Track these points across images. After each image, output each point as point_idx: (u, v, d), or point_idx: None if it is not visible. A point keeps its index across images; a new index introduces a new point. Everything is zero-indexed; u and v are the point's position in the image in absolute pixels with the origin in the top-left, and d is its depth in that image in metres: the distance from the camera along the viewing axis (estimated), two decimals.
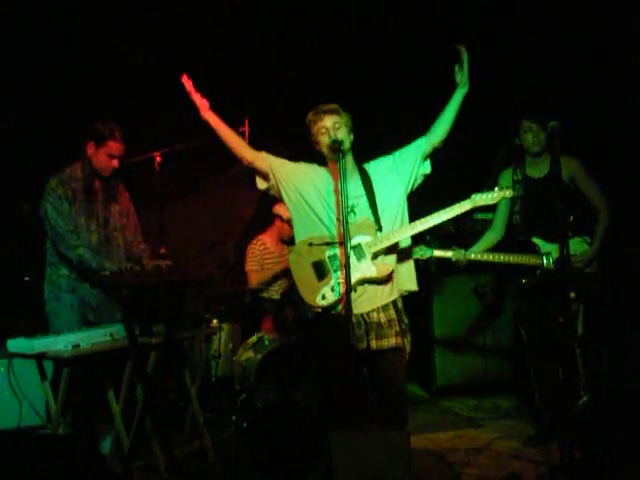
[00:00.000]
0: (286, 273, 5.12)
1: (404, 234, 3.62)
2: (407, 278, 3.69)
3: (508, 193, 3.67)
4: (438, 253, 4.19)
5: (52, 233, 4.02)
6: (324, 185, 3.69)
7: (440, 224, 3.62)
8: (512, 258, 4.26)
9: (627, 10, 4.65)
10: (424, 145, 3.67)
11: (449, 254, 4.26)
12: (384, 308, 3.59)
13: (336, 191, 3.63)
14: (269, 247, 5.44)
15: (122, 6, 5.25)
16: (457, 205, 3.59)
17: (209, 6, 5.42)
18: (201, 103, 3.70)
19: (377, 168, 3.75)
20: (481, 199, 3.61)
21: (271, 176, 3.70)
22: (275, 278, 5.27)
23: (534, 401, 4.49)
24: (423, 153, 3.67)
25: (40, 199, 4.08)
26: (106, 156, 4.08)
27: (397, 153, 3.74)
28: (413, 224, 3.63)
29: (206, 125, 3.70)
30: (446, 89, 3.63)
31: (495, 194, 3.63)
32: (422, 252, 4.17)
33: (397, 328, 3.58)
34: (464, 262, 4.27)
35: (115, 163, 4.12)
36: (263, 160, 3.70)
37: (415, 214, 3.68)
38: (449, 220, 3.61)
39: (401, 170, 3.69)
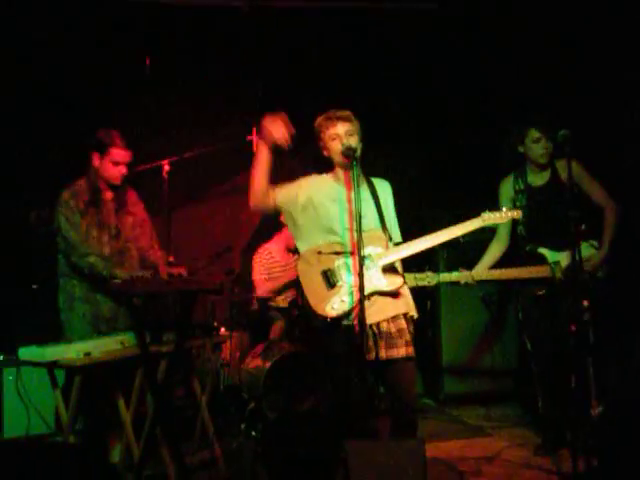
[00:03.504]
0: (294, 283, 5.12)
1: (415, 249, 3.59)
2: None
3: (517, 214, 3.70)
4: (445, 278, 4.15)
5: (64, 244, 4.02)
6: (332, 193, 3.67)
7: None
8: (520, 272, 4.22)
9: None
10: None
11: (456, 278, 4.23)
12: (393, 318, 3.58)
13: (343, 199, 3.63)
14: (275, 256, 5.44)
15: (130, 15, 5.28)
16: (467, 223, 3.60)
17: (217, 12, 5.45)
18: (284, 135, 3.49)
19: (384, 187, 3.76)
20: (490, 218, 3.63)
21: (275, 208, 3.70)
22: (284, 288, 5.26)
23: (538, 410, 4.47)
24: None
25: (50, 209, 4.09)
26: (112, 164, 4.07)
27: (392, 211, 3.76)
28: (423, 239, 3.61)
29: (253, 153, 3.65)
30: None
31: (504, 214, 3.66)
32: (429, 279, 4.08)
33: (407, 338, 3.57)
34: (473, 284, 4.25)
35: (123, 170, 4.10)
36: (275, 200, 3.66)
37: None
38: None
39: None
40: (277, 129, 3.45)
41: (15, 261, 5.19)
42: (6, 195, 5.25)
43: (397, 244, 3.66)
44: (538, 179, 4.37)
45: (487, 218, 3.63)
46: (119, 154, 4.07)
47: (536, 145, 4.28)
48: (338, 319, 3.54)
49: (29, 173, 5.28)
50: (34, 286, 5.05)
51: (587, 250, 4.19)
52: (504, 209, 3.67)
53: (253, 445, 4.01)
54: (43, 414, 4.26)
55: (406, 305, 3.64)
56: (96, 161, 4.08)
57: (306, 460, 3.38)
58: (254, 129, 5.15)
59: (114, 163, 4.07)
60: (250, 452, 3.91)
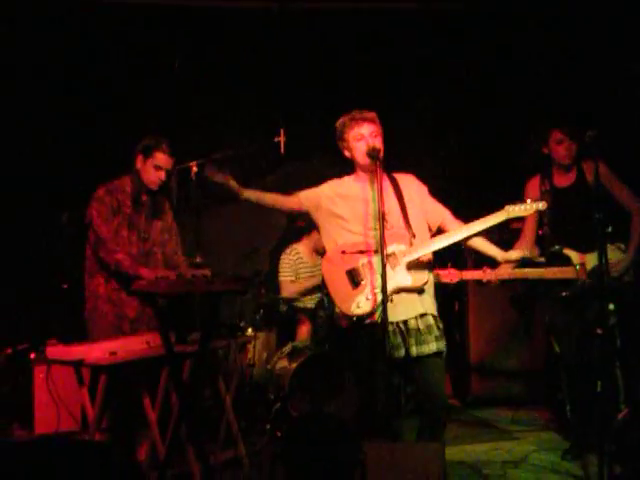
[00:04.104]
0: (319, 288, 5.12)
1: (439, 244, 3.61)
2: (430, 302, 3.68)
3: (542, 205, 3.64)
4: (467, 276, 4.10)
5: (94, 238, 4.06)
6: (355, 194, 3.70)
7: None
8: (544, 272, 4.14)
9: None
10: (438, 219, 3.75)
11: (479, 276, 4.18)
12: (421, 316, 3.58)
13: (366, 199, 3.64)
14: (303, 257, 5.44)
15: (161, 17, 5.34)
16: (491, 216, 3.59)
17: (242, 14, 5.48)
18: (234, 185, 3.75)
19: (408, 183, 3.77)
20: (514, 210, 3.59)
21: (305, 212, 3.82)
22: (308, 291, 5.27)
23: (566, 413, 4.42)
24: (431, 220, 3.76)
25: (80, 208, 4.15)
26: (153, 167, 4.13)
27: (426, 195, 3.79)
28: (447, 234, 3.64)
29: (248, 201, 3.81)
30: None
31: (528, 206, 3.61)
32: (451, 276, 4.00)
33: (436, 333, 3.57)
34: (496, 282, 4.19)
35: (162, 175, 4.16)
36: (301, 203, 3.79)
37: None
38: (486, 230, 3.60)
39: (422, 207, 3.75)
40: (216, 178, 3.73)
41: (47, 261, 5.29)
42: (39, 196, 5.35)
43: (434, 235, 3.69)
44: (564, 180, 4.32)
45: (511, 210, 3.58)
46: (162, 159, 4.14)
47: (559, 146, 4.23)
48: (363, 318, 3.55)
49: (62, 174, 5.37)
50: (64, 286, 5.13)
51: (614, 253, 4.13)
52: (528, 201, 3.62)
53: (272, 445, 4.02)
54: (72, 411, 4.34)
55: (430, 307, 3.64)
56: (139, 163, 4.14)
57: (324, 461, 3.38)
58: (282, 130, 5.16)
59: (156, 167, 4.13)
60: (269, 451, 3.92)
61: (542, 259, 4.06)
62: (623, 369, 4.23)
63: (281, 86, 5.78)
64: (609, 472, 3.35)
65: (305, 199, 3.78)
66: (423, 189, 3.82)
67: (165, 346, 3.65)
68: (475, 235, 3.65)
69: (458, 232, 3.62)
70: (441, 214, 3.78)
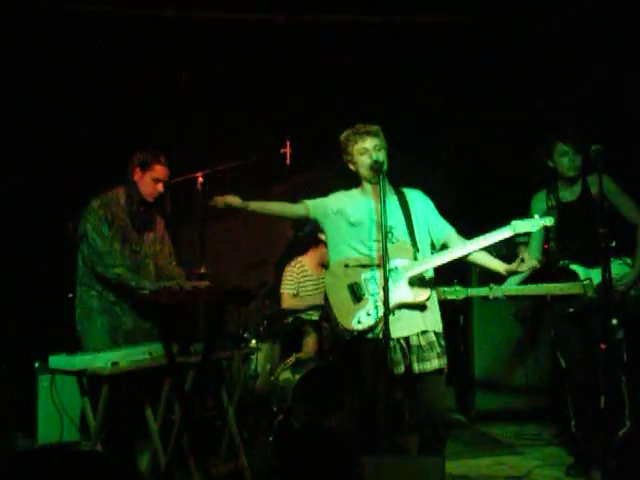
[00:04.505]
0: (320, 307, 5.10)
1: (443, 260, 3.59)
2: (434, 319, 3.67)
3: (549, 221, 3.61)
4: (473, 293, 4.08)
5: (90, 253, 4.04)
6: (360, 207, 3.71)
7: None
8: (551, 289, 4.10)
9: None
10: (442, 236, 3.74)
11: (485, 293, 4.14)
12: (423, 333, 3.57)
13: (371, 212, 3.65)
14: (307, 270, 5.43)
15: (166, 28, 5.37)
16: (497, 232, 3.56)
17: (248, 25, 5.50)
18: (237, 202, 3.72)
19: (415, 197, 3.77)
20: (521, 226, 3.54)
21: (313, 219, 3.81)
22: (308, 309, 5.25)
23: (570, 429, 4.39)
24: (435, 237, 3.76)
25: (81, 218, 4.15)
26: (152, 180, 4.13)
27: (432, 211, 3.79)
28: (451, 250, 3.62)
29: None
30: None
31: (535, 221, 3.57)
32: (457, 293, 3.93)
33: (438, 350, 3.56)
34: (503, 299, 4.16)
35: (160, 188, 4.17)
36: (309, 210, 3.78)
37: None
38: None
39: (427, 223, 3.75)
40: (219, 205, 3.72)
41: (51, 270, 5.31)
42: (44, 206, 5.37)
43: (436, 251, 3.68)
44: (569, 194, 4.30)
45: (518, 226, 3.53)
46: (161, 171, 4.15)
47: (563, 159, 4.21)
48: (364, 333, 3.54)
49: (67, 184, 5.39)
50: (69, 295, 5.14)
51: (620, 268, 4.11)
52: (536, 216, 3.59)
53: (272, 457, 4.01)
54: (76, 421, 4.34)
55: (435, 323, 3.63)
56: (136, 175, 4.14)
57: (322, 474, 3.37)
58: (287, 141, 5.18)
59: (154, 180, 4.14)
60: (269, 464, 3.91)
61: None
62: (629, 385, 4.20)
63: (287, 97, 5.79)
64: None
65: (313, 206, 3.78)
66: (430, 204, 3.82)
67: (167, 357, 3.65)
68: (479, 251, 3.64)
69: (463, 248, 3.61)
70: (446, 231, 3.77)
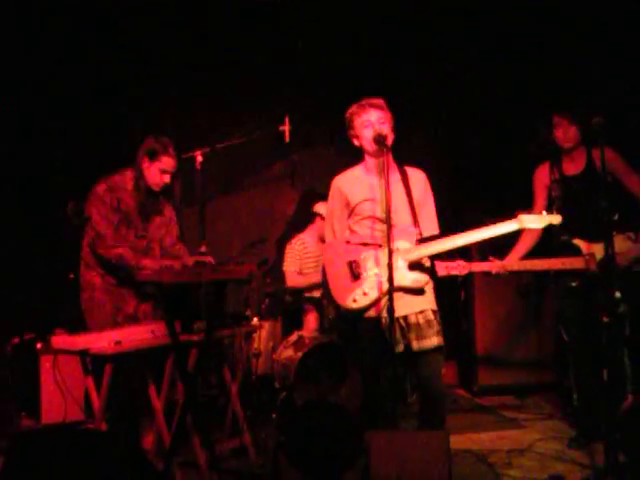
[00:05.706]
0: (321, 285, 5.09)
1: (444, 246, 3.54)
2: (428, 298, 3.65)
3: (555, 220, 3.63)
4: (476, 268, 4.06)
5: (93, 235, 4.06)
6: (362, 184, 3.67)
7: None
8: (553, 263, 4.10)
9: None
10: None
11: (488, 268, 4.11)
12: (421, 311, 3.56)
13: (373, 191, 3.61)
14: (308, 246, 5.42)
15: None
16: (503, 224, 3.53)
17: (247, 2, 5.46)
18: None
19: (417, 180, 3.71)
20: (528, 220, 3.54)
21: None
22: (314, 286, 5.24)
23: (573, 402, 4.40)
24: None
25: (85, 200, 4.14)
26: (159, 171, 4.12)
27: (426, 205, 3.72)
28: (453, 238, 3.56)
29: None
30: None
31: (543, 217, 3.58)
32: (460, 268, 3.93)
33: (436, 328, 3.56)
34: (505, 275, 4.16)
35: (166, 179, 4.15)
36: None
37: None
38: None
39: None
40: None
41: (53, 251, 5.30)
42: (46, 186, 5.35)
43: (429, 238, 3.61)
44: (573, 168, 4.28)
45: (525, 220, 3.52)
46: (169, 162, 4.13)
47: (557, 130, 4.20)
48: (360, 312, 3.53)
49: (68, 164, 5.37)
50: (70, 275, 5.13)
51: (623, 242, 4.07)
52: (544, 213, 3.61)
53: (276, 434, 4.02)
54: (79, 400, 4.35)
55: (431, 301, 3.63)
56: (144, 164, 4.12)
57: (327, 449, 3.38)
58: (286, 118, 5.14)
59: (162, 171, 4.12)
60: (273, 440, 3.93)
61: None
62: (631, 358, 4.20)
63: (286, 74, 5.74)
64: (615, 461, 3.34)
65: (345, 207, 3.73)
66: (429, 196, 3.74)
67: (170, 335, 3.65)
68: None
69: (466, 237, 3.54)
70: (427, 232, 3.66)
